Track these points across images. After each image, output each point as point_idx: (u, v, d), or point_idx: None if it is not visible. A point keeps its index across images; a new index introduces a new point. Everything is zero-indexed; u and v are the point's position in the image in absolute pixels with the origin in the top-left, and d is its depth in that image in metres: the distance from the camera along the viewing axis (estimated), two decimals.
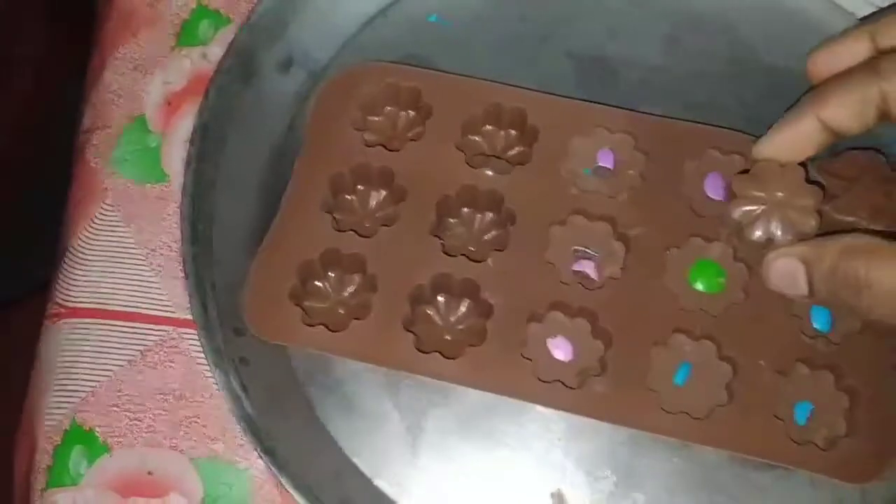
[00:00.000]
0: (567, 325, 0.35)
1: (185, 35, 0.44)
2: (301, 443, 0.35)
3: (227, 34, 0.43)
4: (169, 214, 0.41)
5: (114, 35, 0.45)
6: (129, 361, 0.39)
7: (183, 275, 0.36)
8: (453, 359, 0.35)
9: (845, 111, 0.32)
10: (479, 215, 0.38)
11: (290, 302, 0.36)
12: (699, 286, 0.35)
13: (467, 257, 0.37)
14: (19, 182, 0.72)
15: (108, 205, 0.41)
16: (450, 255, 0.37)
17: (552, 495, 0.35)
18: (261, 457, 0.34)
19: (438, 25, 0.43)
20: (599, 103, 0.39)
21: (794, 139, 0.34)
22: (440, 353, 0.35)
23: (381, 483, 0.36)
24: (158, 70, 0.44)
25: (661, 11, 0.42)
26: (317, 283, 0.38)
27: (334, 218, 0.38)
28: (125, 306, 0.40)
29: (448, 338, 0.37)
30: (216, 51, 0.43)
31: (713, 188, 0.37)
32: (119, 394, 0.39)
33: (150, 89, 0.43)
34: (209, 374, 0.38)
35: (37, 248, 0.50)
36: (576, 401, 0.34)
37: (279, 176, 0.40)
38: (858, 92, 0.32)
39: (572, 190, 0.37)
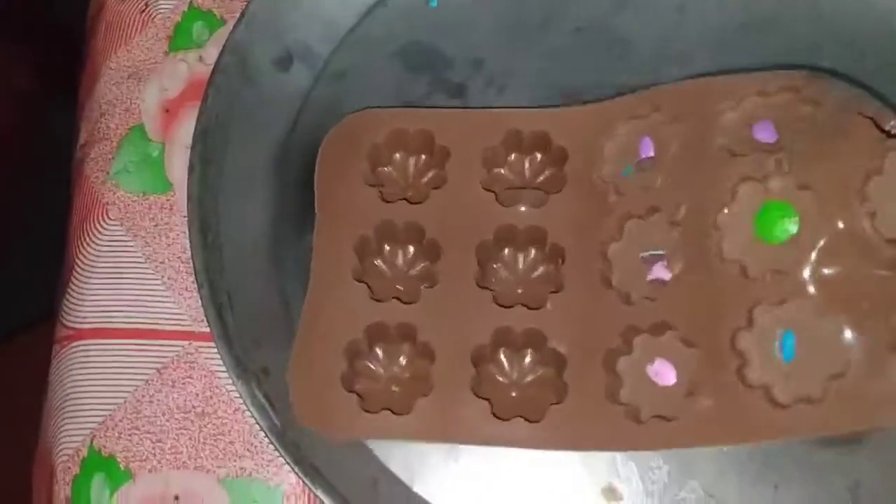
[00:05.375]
0: (664, 347, 0.33)
1: (179, 38, 0.43)
2: (333, 452, 0.34)
3: (222, 35, 0.41)
4: (176, 225, 0.39)
5: (105, 45, 0.43)
6: (145, 381, 0.37)
7: (196, 286, 0.34)
8: (536, 422, 0.32)
9: None
10: (520, 254, 0.36)
11: (343, 390, 0.33)
12: (776, 231, 0.32)
13: (525, 306, 0.34)
14: (18, 208, 0.71)
15: (112, 219, 0.40)
16: (504, 307, 0.34)
17: (603, 490, 0.34)
18: (293, 470, 0.32)
19: (440, 10, 0.41)
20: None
21: None
22: (523, 417, 0.32)
23: (420, 489, 0.34)
24: (154, 77, 0.42)
25: None
26: (365, 362, 0.35)
27: (369, 287, 0.35)
28: (137, 323, 0.38)
29: (514, 394, 0.34)
30: (213, 53, 0.41)
31: (763, 132, 0.34)
32: (137, 415, 0.37)
33: (146, 97, 0.42)
34: (231, 388, 0.36)
35: (40, 271, 0.48)
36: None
37: (286, 176, 0.38)
38: None
39: (611, 198, 0.35)
